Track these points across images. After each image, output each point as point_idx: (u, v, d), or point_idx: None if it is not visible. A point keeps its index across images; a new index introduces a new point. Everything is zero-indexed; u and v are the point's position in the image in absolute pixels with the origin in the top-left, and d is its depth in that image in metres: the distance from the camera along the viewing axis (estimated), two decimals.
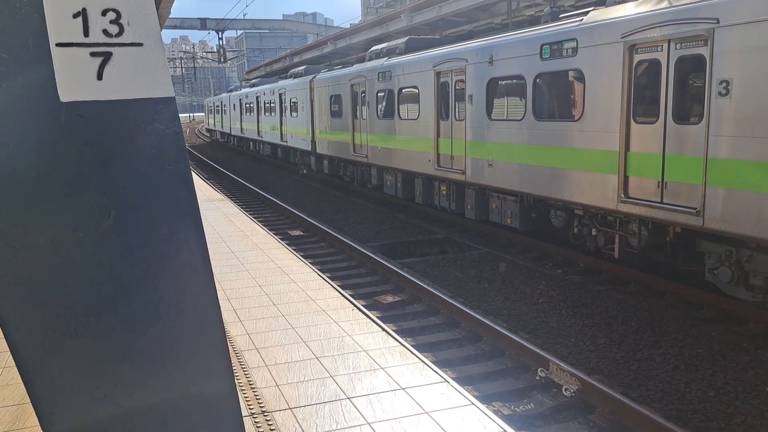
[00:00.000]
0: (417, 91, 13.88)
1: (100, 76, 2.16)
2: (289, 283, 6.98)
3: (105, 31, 2.14)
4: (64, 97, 2.13)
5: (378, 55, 16.81)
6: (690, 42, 7.43)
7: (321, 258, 11.57)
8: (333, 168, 20.81)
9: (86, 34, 2.11)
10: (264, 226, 13.91)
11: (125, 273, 2.29)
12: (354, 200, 18.11)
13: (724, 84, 6.99)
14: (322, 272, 10.01)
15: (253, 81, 35.89)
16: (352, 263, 11.24)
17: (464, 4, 17.10)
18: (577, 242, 10.21)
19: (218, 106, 44.30)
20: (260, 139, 30.45)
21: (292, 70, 26.02)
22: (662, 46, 7.78)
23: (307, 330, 5.43)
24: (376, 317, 7.79)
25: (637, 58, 8.19)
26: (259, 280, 7.12)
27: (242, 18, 37.28)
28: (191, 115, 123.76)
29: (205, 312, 2.44)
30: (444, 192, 13.58)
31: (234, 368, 4.58)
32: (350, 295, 8.83)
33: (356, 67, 17.84)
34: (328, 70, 21.77)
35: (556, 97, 9.92)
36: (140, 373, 2.37)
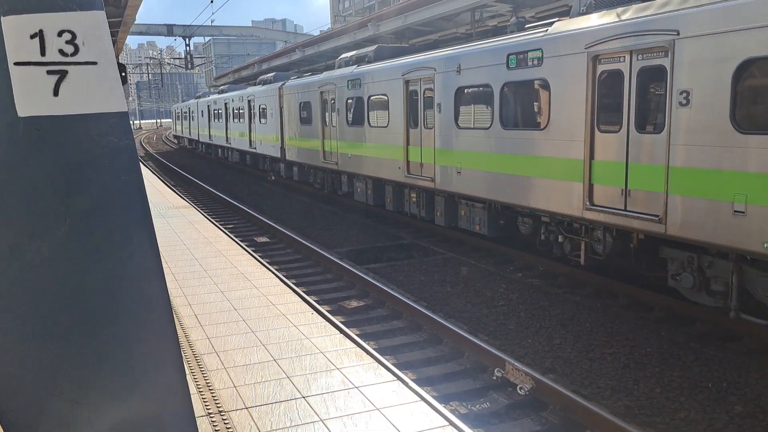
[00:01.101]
0: (386, 98, 14.01)
1: (56, 93, 2.30)
2: (250, 289, 7.11)
3: (61, 51, 2.28)
4: (22, 112, 2.27)
5: (347, 62, 16.90)
6: (651, 53, 7.60)
7: (287, 264, 11.66)
8: (303, 175, 20.83)
9: (43, 53, 2.26)
10: (230, 232, 13.96)
11: (81, 277, 2.42)
12: (323, 207, 18.22)
13: (684, 94, 7.17)
14: (288, 278, 10.12)
15: (222, 87, 35.66)
16: (318, 269, 11.36)
17: (429, 14, 17.43)
18: (544, 249, 10.34)
19: (186, 113, 43.90)
20: (229, 145, 30.27)
21: (261, 77, 25.94)
22: (624, 56, 7.97)
23: (267, 334, 5.57)
24: (340, 322, 7.95)
25: (600, 68, 8.35)
26: (221, 285, 7.23)
27: (210, 25, 37.15)
28: (158, 121, 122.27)
29: (157, 314, 2.58)
30: (414, 199, 13.69)
31: (193, 371, 4.71)
32: (315, 300, 8.97)
33: (326, 75, 17.88)
34: (298, 77, 21.72)
35: (522, 106, 10.07)
36: (95, 372, 2.49)
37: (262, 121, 23.75)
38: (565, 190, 9.06)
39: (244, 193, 21.90)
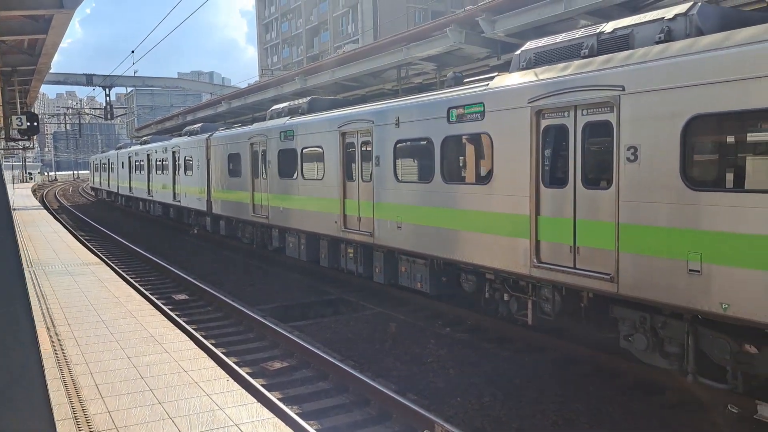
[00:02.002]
0: (321, 151, 13.59)
1: None
2: (161, 354, 6.55)
3: None
4: None
5: (280, 114, 16.48)
6: (597, 108, 7.42)
7: (206, 324, 11.03)
8: (230, 229, 19.89)
9: None
10: (147, 290, 13.15)
11: None
12: (249, 262, 17.53)
13: (632, 150, 6.95)
14: (207, 338, 9.52)
15: (145, 138, 34.48)
16: (240, 328, 10.80)
17: (355, 69, 17.60)
18: (488, 307, 9.90)
19: (105, 164, 42.21)
20: (151, 198, 28.97)
21: (187, 128, 25.12)
22: (569, 111, 7.77)
23: (176, 405, 5.06)
24: (261, 384, 7.48)
25: (544, 122, 8.13)
26: (129, 351, 6.63)
27: (132, 75, 36.30)
28: (75, 172, 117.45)
29: (28, 386, 2.19)
30: (351, 254, 13.02)
31: None
32: (235, 362, 8.44)
33: (257, 126, 17.39)
34: (227, 128, 21.00)
35: (464, 161, 9.84)
36: None
37: (188, 173, 22.89)
38: (510, 246, 8.69)
39: (164, 247, 20.86)
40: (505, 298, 9.28)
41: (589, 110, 7.55)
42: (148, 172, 28.97)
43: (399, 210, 11.16)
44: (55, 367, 6.22)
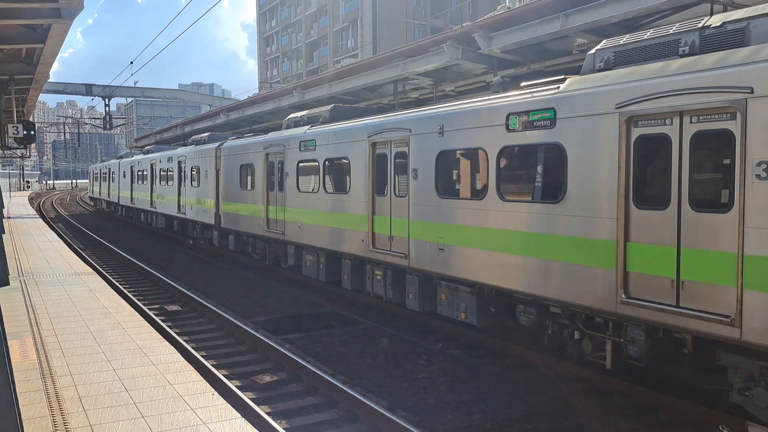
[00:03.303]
0: (348, 162, 12.48)
1: None
2: (147, 366, 6.48)
3: None
4: None
5: (298, 123, 15.46)
6: (711, 114, 6.27)
7: (197, 335, 10.96)
8: (240, 244, 18.78)
9: None
10: (140, 300, 13.07)
11: None
12: (245, 274, 17.38)
13: (763, 165, 5.77)
14: (197, 350, 9.44)
15: (148, 147, 33.78)
16: (231, 340, 10.72)
17: (353, 83, 17.68)
18: (552, 345, 8.61)
19: (105, 173, 41.47)
20: (153, 209, 28.03)
21: (194, 137, 24.18)
22: (672, 118, 6.60)
23: (159, 419, 5.00)
24: (250, 398, 7.39)
25: (636, 132, 6.94)
26: (115, 363, 6.56)
27: (132, 86, 36.40)
28: (74, 181, 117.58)
29: None
30: (379, 277, 11.74)
31: None
32: (224, 374, 8.35)
33: (273, 135, 16.26)
34: (238, 137, 20.10)
35: (527, 175, 8.53)
36: None
37: (194, 184, 21.94)
38: (587, 277, 7.44)
39: (161, 258, 20.73)
40: (576, 336, 7.99)
41: (700, 117, 6.36)
42: (152, 183, 28.06)
43: (441, 230, 9.88)
44: (39, 378, 6.15)
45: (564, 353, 8.38)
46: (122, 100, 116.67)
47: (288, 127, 15.91)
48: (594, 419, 7.23)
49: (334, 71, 19.36)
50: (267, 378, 8.56)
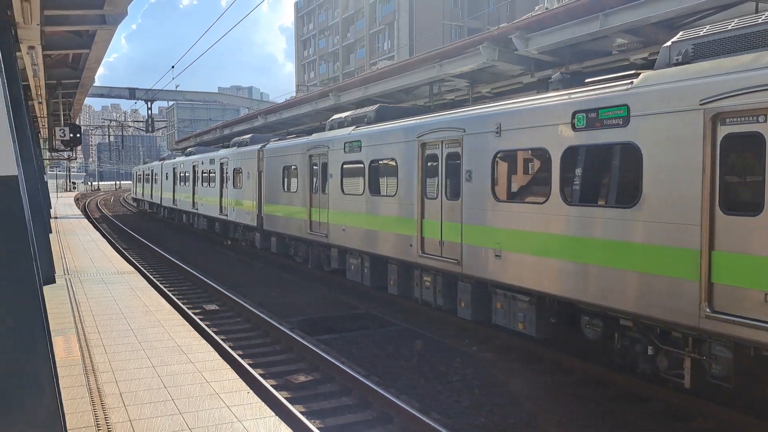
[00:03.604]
0: (395, 164, 12.16)
1: None
2: (185, 364, 6.63)
3: None
4: None
5: (341, 123, 15.15)
6: None
7: (234, 334, 11.13)
8: (282, 246, 18.63)
9: None
10: (179, 299, 13.36)
11: None
12: (282, 275, 17.63)
13: None
14: (234, 349, 9.60)
15: (189, 149, 34.28)
16: (267, 340, 10.86)
17: (389, 86, 17.71)
18: (621, 360, 8.07)
19: (148, 175, 42.22)
20: (195, 211, 28.21)
21: (236, 139, 24.28)
22: (766, 116, 6.00)
23: (196, 416, 5.11)
24: (285, 397, 7.48)
25: (724, 130, 6.39)
26: (154, 360, 6.73)
27: (173, 89, 37.27)
28: (117, 183, 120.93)
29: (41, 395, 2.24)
30: (428, 283, 11.42)
31: None
32: (260, 374, 8.47)
33: (316, 137, 16.06)
34: (280, 139, 20.09)
35: (596, 177, 8.10)
36: None
37: (237, 185, 21.95)
38: (664, 287, 6.90)
39: (201, 259, 21.11)
40: (650, 351, 7.47)
41: None
42: (193, 184, 28.23)
43: (498, 235, 9.45)
44: (82, 374, 6.35)
45: (635, 369, 7.81)
46: (164, 103, 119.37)
47: (332, 128, 15.71)
48: (629, 426, 7.07)
49: (369, 73, 19.44)
50: (302, 378, 8.64)
